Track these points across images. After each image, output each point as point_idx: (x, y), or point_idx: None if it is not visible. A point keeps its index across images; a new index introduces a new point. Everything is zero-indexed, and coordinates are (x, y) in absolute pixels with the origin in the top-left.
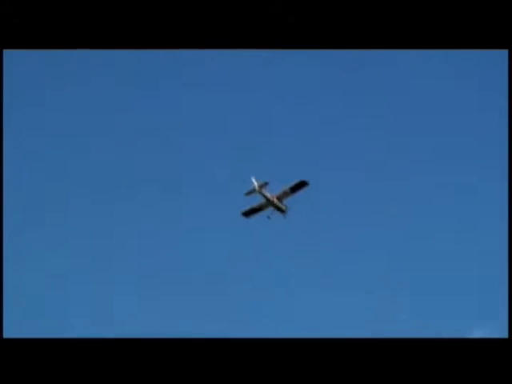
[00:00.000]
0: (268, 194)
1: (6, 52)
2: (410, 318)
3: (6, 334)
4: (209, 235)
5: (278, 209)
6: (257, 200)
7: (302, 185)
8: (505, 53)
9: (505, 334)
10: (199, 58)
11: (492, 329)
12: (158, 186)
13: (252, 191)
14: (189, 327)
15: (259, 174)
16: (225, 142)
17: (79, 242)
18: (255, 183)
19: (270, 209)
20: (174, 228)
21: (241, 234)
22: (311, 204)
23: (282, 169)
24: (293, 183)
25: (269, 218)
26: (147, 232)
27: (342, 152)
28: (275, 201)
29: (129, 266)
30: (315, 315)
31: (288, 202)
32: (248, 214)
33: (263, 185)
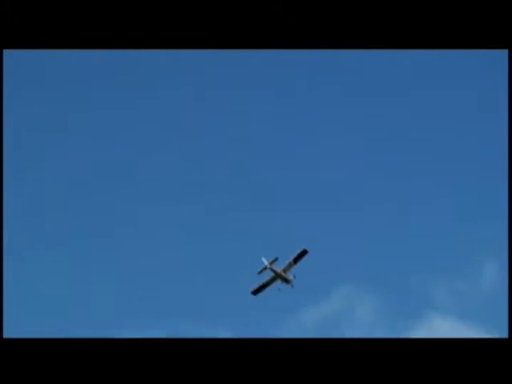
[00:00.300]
0: (276, 269)
1: (6, 52)
2: None
3: (6, 334)
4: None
5: (286, 280)
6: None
7: (303, 254)
8: (505, 53)
9: (505, 334)
10: (199, 58)
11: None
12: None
13: (263, 269)
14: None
15: None
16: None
17: (79, 242)
18: (265, 262)
19: (278, 281)
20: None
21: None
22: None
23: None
24: (295, 254)
25: (279, 290)
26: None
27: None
28: (283, 274)
29: (129, 265)
30: None
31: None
32: (257, 291)
33: (273, 261)
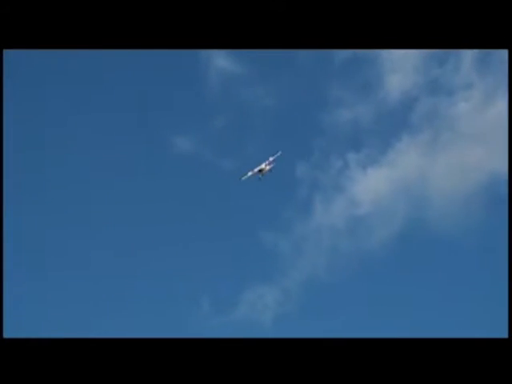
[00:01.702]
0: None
1: (6, 52)
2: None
3: (6, 334)
4: None
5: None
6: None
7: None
8: (505, 53)
9: (505, 334)
10: (199, 58)
11: None
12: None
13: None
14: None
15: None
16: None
17: (79, 242)
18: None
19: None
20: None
21: None
22: None
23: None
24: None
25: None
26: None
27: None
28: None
29: (129, 266)
30: None
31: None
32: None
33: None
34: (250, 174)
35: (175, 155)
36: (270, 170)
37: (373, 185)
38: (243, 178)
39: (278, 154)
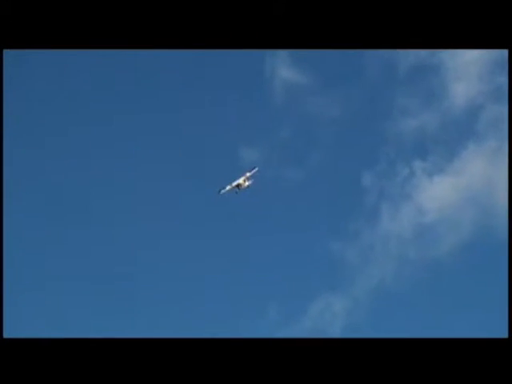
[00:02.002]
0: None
1: (6, 52)
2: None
3: (6, 334)
4: None
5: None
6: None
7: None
8: (505, 53)
9: (505, 334)
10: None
11: None
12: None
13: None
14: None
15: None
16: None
17: (79, 242)
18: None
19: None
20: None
21: None
22: None
23: None
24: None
25: (236, 193)
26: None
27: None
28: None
29: (130, 266)
30: None
31: None
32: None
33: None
34: (228, 187)
35: (242, 166)
36: (249, 186)
37: (439, 193)
38: (222, 192)
39: (255, 170)
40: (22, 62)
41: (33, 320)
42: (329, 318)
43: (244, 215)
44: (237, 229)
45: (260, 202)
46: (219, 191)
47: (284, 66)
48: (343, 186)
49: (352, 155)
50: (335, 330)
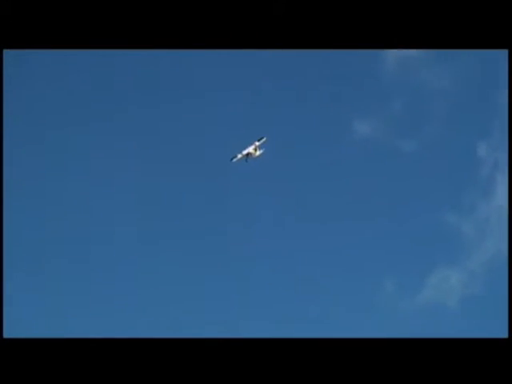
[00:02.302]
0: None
1: (6, 52)
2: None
3: (6, 334)
4: None
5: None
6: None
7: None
8: (505, 53)
9: (505, 334)
10: (199, 58)
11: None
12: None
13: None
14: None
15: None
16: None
17: (79, 242)
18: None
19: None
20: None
21: None
22: None
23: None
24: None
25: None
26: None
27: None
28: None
29: (130, 266)
30: None
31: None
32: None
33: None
34: (239, 156)
35: (356, 140)
36: (260, 156)
37: None
38: (234, 161)
39: (263, 140)
40: (22, 61)
41: (33, 320)
42: (446, 291)
43: (359, 190)
44: (351, 203)
45: (373, 175)
46: (231, 159)
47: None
48: (458, 157)
49: (465, 126)
50: (453, 303)
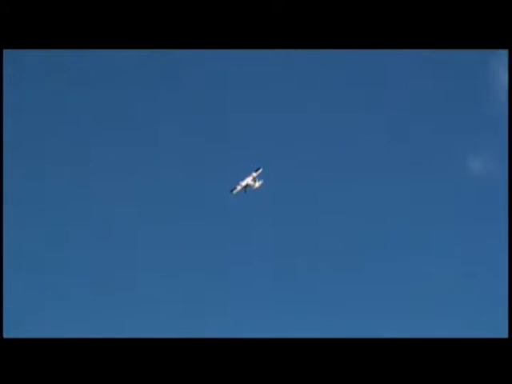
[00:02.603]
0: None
1: (6, 52)
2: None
3: (6, 334)
4: None
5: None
6: None
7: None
8: (505, 53)
9: (505, 334)
10: (199, 58)
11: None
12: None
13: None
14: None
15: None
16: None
17: (79, 242)
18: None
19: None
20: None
21: None
22: None
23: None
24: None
25: (245, 192)
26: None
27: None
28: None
29: (130, 265)
30: None
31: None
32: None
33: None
34: (238, 188)
35: (470, 177)
36: (260, 187)
37: None
38: (234, 192)
39: (260, 170)
40: (22, 62)
41: (33, 320)
42: None
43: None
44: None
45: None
46: (231, 191)
47: (501, 66)
48: None
49: None
50: None
